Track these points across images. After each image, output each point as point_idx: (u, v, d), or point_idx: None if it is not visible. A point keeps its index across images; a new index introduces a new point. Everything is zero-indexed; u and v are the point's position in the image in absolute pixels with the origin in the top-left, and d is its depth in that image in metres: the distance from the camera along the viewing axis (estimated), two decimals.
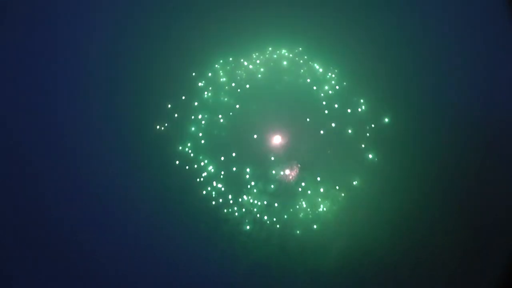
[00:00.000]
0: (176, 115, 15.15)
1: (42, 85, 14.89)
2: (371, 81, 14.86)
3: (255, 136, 14.88)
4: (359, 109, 14.97)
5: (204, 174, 14.72)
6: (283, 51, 15.65)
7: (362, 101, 14.99)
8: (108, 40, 15.17)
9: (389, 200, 13.90)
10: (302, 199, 14.47)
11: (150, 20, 15.28)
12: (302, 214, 14.38)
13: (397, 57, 14.71)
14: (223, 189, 14.61)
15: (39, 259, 13.51)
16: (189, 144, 14.95)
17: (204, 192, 14.58)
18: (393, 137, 14.55)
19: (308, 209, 14.39)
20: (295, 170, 14.70)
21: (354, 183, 14.43)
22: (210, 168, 14.76)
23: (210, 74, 15.47)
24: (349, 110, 14.98)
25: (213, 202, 14.49)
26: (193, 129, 15.11)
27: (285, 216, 14.36)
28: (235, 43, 15.46)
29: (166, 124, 15.06)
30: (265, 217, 14.38)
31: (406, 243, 13.48)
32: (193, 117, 15.16)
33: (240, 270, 13.85)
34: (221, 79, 15.48)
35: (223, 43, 15.40)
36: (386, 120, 14.75)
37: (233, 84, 15.40)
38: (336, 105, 15.03)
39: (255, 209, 14.44)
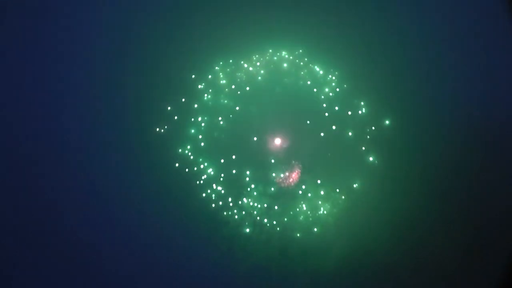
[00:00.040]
0: (176, 117, 15.11)
1: (43, 87, 14.89)
2: (372, 84, 14.83)
3: (255, 139, 14.86)
4: (360, 112, 14.94)
5: (204, 176, 14.71)
6: (283, 53, 15.62)
7: (362, 103, 14.96)
8: (108, 43, 15.16)
9: (390, 203, 13.88)
10: (302, 202, 14.46)
11: (150, 23, 15.26)
12: (302, 216, 14.37)
13: (397, 60, 14.68)
14: (223, 191, 14.59)
15: (39, 259, 13.52)
16: (189, 147, 14.92)
17: (204, 195, 14.57)
18: (394, 139, 14.53)
19: (309, 212, 14.38)
20: (295, 172, 14.68)
21: (355, 185, 14.41)
22: (210, 170, 14.74)
23: (210, 76, 15.43)
24: (349, 113, 14.95)
25: (213, 205, 14.49)
26: (193, 131, 15.08)
27: (285, 219, 14.35)
28: (235, 45, 15.42)
29: (166, 127, 15.03)
30: (265, 220, 14.37)
31: (406, 245, 13.48)
32: (193, 119, 15.13)
33: (240, 273, 13.85)
34: (221, 81, 15.45)
35: (223, 45, 15.36)
36: (387, 122, 14.72)
37: (233, 86, 15.36)
38: (336, 108, 15.00)
39: (255, 212, 14.43)
